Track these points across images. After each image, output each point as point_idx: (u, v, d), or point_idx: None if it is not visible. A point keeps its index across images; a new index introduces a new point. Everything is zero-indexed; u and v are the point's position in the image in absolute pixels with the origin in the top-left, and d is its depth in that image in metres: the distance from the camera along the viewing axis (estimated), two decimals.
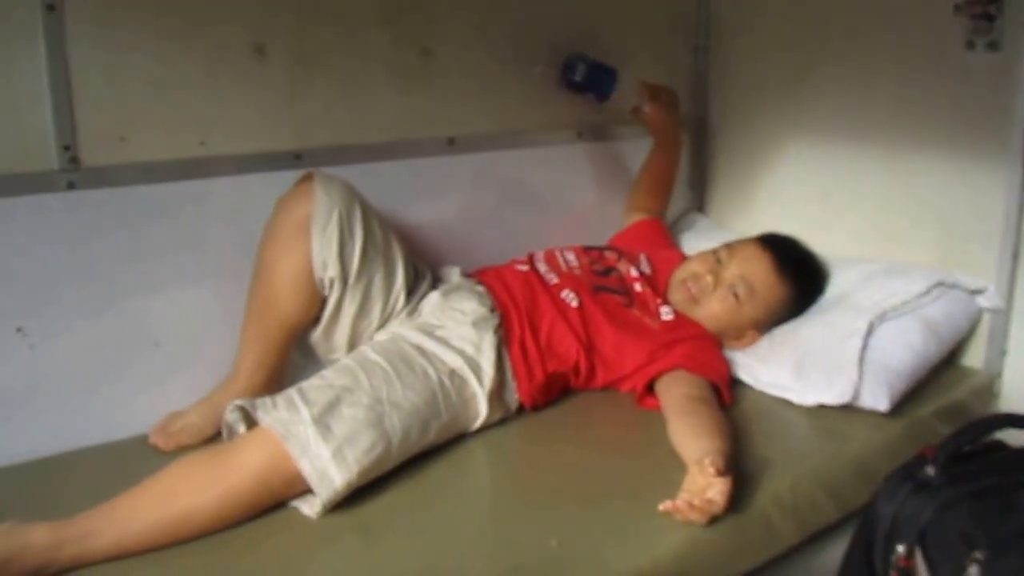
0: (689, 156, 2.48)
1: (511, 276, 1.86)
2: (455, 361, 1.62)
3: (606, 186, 2.34)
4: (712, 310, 1.90)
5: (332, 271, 1.63)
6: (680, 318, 1.89)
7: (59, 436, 1.58)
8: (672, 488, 1.37)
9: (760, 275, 1.92)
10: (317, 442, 1.38)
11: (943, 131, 2.01)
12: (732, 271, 1.92)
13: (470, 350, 1.65)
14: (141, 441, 1.63)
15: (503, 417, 1.70)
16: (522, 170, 2.16)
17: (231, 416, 1.51)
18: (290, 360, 1.75)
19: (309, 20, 1.77)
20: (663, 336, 1.83)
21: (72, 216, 1.57)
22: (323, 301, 1.68)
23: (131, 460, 1.55)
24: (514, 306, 1.78)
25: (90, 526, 1.28)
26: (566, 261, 1.95)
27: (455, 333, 1.67)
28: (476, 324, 1.69)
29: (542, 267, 1.92)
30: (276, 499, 1.40)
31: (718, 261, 1.95)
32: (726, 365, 1.86)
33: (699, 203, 2.55)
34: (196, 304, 1.72)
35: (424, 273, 1.83)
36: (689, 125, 2.46)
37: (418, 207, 1.94)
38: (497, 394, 1.67)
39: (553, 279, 1.87)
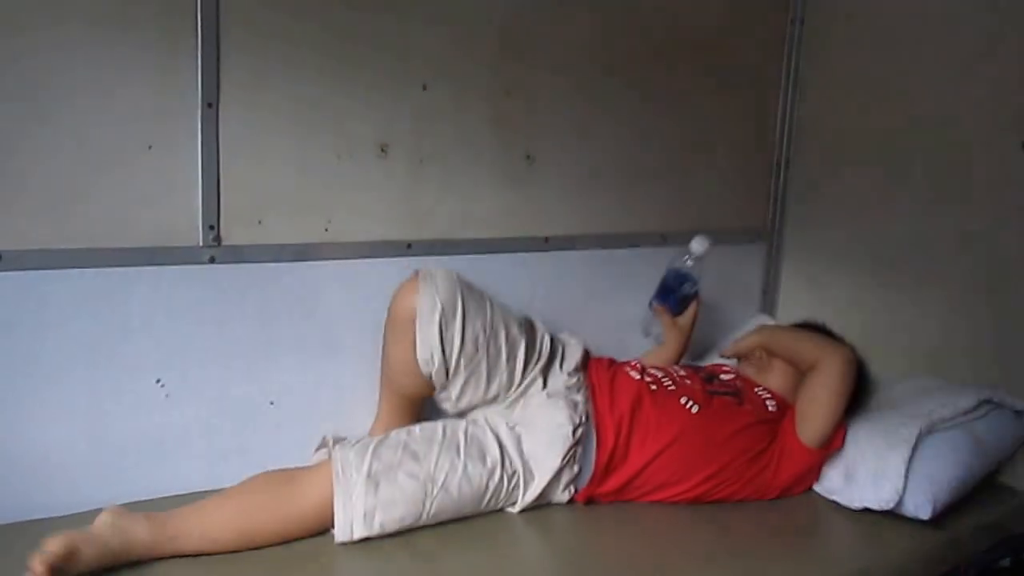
0: (762, 261, 2.62)
1: (623, 381, 1.90)
2: (521, 469, 1.71)
3: None
4: (775, 381, 1.99)
5: (436, 363, 1.75)
6: (784, 405, 1.95)
7: (179, 479, 1.73)
8: None
9: None
10: (359, 495, 1.55)
11: (1003, 261, 2.10)
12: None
13: (534, 462, 1.73)
14: None
15: (537, 505, 1.74)
16: (609, 269, 2.28)
17: (326, 448, 1.72)
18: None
19: (428, 124, 1.93)
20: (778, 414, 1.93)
21: (211, 286, 1.74)
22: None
23: None
24: (611, 414, 1.82)
25: (182, 528, 1.47)
26: (676, 371, 1.99)
27: (537, 440, 1.75)
28: (553, 440, 1.74)
29: (658, 373, 1.95)
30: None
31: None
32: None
33: (768, 307, 2.64)
34: (309, 370, 1.87)
35: (541, 350, 1.88)
36: (765, 232, 2.60)
37: (512, 298, 2.00)
38: (543, 495, 1.74)
39: (670, 385, 1.91)
